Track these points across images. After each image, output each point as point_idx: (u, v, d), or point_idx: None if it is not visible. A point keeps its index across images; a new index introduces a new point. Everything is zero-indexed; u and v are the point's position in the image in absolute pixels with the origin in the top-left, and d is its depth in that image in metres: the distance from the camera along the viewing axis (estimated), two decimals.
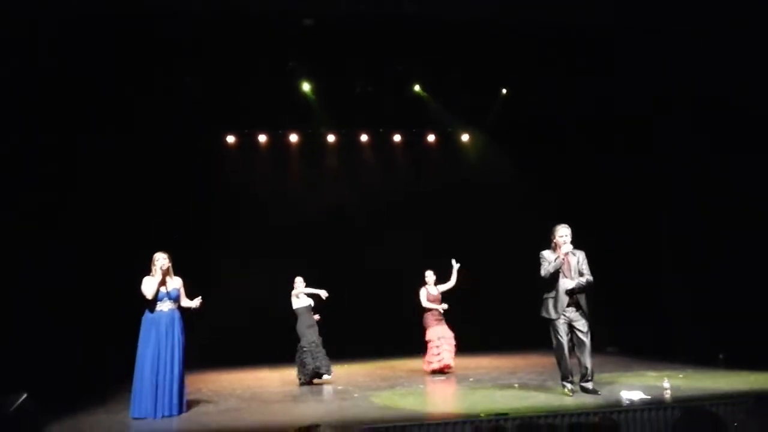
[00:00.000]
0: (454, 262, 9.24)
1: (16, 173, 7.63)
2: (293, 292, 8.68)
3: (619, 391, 6.61)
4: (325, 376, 8.48)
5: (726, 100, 8.52)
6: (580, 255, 6.92)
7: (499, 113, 11.71)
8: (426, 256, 9.83)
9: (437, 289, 9.21)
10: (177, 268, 6.96)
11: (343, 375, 9.11)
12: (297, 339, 8.59)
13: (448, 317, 9.23)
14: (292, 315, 8.69)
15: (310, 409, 6.99)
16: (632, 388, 6.70)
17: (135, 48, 8.94)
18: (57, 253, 8.24)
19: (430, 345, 9.06)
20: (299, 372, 8.53)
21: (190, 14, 8.59)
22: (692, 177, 9.45)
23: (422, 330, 9.17)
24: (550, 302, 6.88)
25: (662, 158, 10.06)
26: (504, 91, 11.47)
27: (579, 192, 11.15)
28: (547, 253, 6.94)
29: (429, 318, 9.11)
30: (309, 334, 8.51)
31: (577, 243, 7.01)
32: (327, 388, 8.18)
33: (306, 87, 10.98)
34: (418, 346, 9.32)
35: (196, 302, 6.93)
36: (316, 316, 8.78)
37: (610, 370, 8.46)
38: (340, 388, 8.21)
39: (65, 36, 8.02)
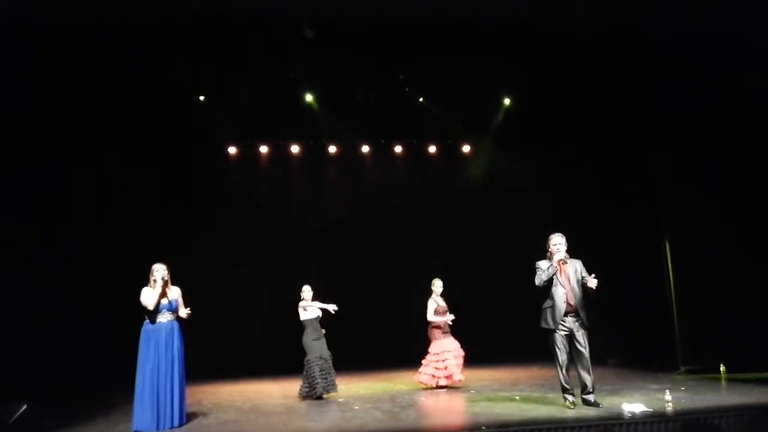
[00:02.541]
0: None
1: (17, 179, 7.66)
2: (301, 304, 8.48)
3: (621, 404, 6.61)
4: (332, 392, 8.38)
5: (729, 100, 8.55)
6: (578, 264, 6.91)
7: (502, 122, 11.74)
8: (428, 267, 9.80)
9: (443, 302, 9.00)
10: (176, 279, 6.97)
11: (343, 387, 9.07)
12: (301, 351, 8.40)
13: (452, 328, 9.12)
14: (300, 326, 8.50)
15: (311, 422, 6.96)
16: (634, 401, 6.69)
17: (136, 58, 8.98)
18: (59, 262, 8.26)
19: (435, 359, 8.82)
20: (304, 385, 8.32)
21: (191, 23, 8.63)
22: (694, 182, 9.45)
23: (426, 342, 9.00)
24: (548, 312, 6.85)
25: (664, 163, 10.06)
26: (507, 101, 11.50)
27: (580, 201, 11.16)
28: (542, 263, 6.94)
29: (435, 330, 8.92)
30: (315, 347, 8.31)
31: (579, 253, 7.02)
32: (328, 401, 8.14)
33: (306, 98, 11.02)
34: (419, 358, 9.23)
35: (183, 312, 6.87)
36: (322, 330, 8.56)
37: (611, 382, 8.43)
38: (341, 400, 8.17)
39: (64, 41, 8.06)
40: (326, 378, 8.26)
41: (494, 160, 12.17)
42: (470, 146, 12.53)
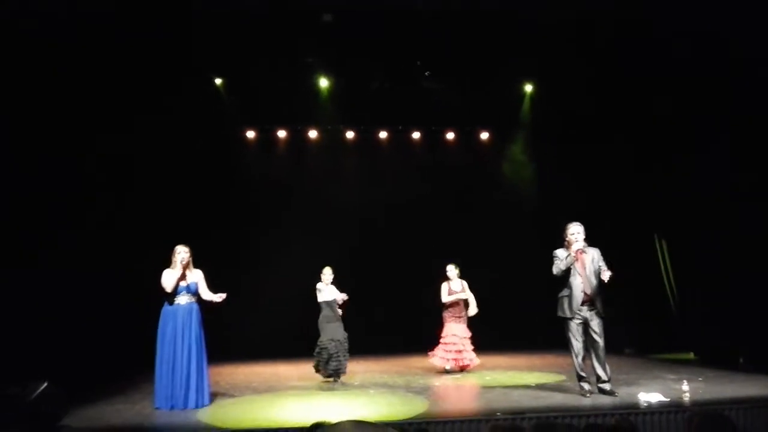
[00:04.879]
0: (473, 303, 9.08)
1: (39, 164, 7.72)
2: (318, 285, 8.49)
3: (637, 393, 6.59)
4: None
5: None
6: (595, 252, 6.89)
7: (522, 110, 11.68)
8: (445, 253, 9.78)
9: (460, 284, 9.06)
10: (198, 262, 7.03)
11: (359, 371, 9.12)
12: (317, 333, 8.45)
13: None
14: (317, 307, 8.52)
15: (326, 405, 7.00)
16: (650, 390, 6.67)
17: (157, 44, 8.99)
18: (80, 243, 8.33)
19: (446, 342, 8.95)
20: (319, 366, 8.35)
21: (210, 10, 8.62)
22: (717, 176, 9.34)
23: (441, 326, 9.08)
24: (565, 301, 6.87)
25: (682, 158, 9.94)
26: (529, 88, 11.42)
27: (600, 191, 11.06)
28: (560, 252, 6.93)
29: (447, 314, 8.99)
30: (329, 330, 8.32)
31: (597, 242, 6.99)
32: (343, 385, 8.19)
33: (323, 83, 10.99)
34: (435, 343, 9.24)
35: (219, 297, 6.96)
36: (339, 311, 8.55)
37: (628, 371, 8.41)
38: (356, 384, 8.23)
39: (87, 33, 8.08)
40: (337, 360, 8.25)
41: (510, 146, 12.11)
42: (489, 133, 12.45)
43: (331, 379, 8.32)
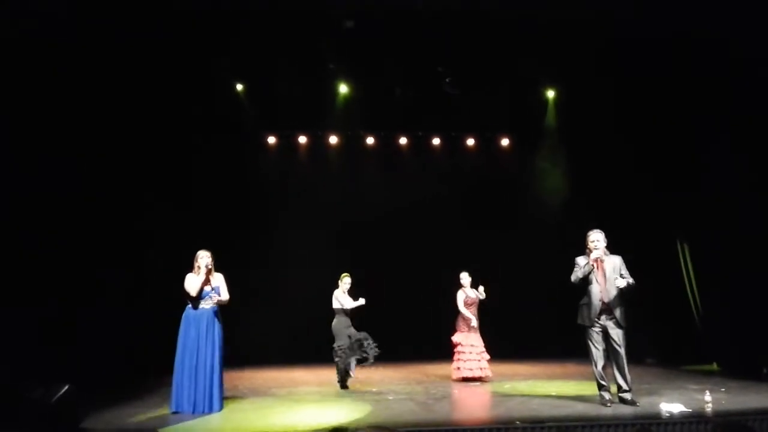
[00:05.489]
0: (481, 289, 9.07)
1: (63, 172, 7.82)
2: (336, 294, 8.55)
3: (659, 403, 6.51)
4: (362, 364, 8.36)
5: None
6: (617, 260, 6.83)
7: (547, 117, 11.64)
8: (463, 259, 9.75)
9: (474, 292, 9.06)
10: (217, 266, 7.07)
11: (377, 378, 9.10)
12: (332, 338, 8.48)
13: (482, 323, 9.07)
14: (331, 313, 8.59)
15: (345, 411, 6.99)
16: (672, 401, 6.58)
17: (176, 51, 9.07)
18: (98, 249, 8.41)
19: (458, 350, 8.90)
20: (351, 352, 8.31)
21: (232, 16, 8.69)
22: (735, 180, 9.21)
23: (452, 333, 9.04)
24: (584, 309, 6.84)
25: (704, 163, 9.82)
26: (551, 94, 11.37)
27: (619, 198, 10.95)
28: (580, 259, 6.91)
29: (462, 322, 8.97)
30: (345, 334, 8.37)
31: (616, 249, 6.92)
32: (361, 391, 8.18)
33: (343, 89, 11.01)
34: (452, 350, 9.19)
35: (220, 296, 6.98)
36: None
37: (649, 381, 8.32)
38: (374, 390, 8.22)
39: (109, 36, 8.18)
40: (367, 342, 8.26)
41: (530, 153, 12.06)
42: (509, 140, 12.41)
43: (347, 387, 8.30)
